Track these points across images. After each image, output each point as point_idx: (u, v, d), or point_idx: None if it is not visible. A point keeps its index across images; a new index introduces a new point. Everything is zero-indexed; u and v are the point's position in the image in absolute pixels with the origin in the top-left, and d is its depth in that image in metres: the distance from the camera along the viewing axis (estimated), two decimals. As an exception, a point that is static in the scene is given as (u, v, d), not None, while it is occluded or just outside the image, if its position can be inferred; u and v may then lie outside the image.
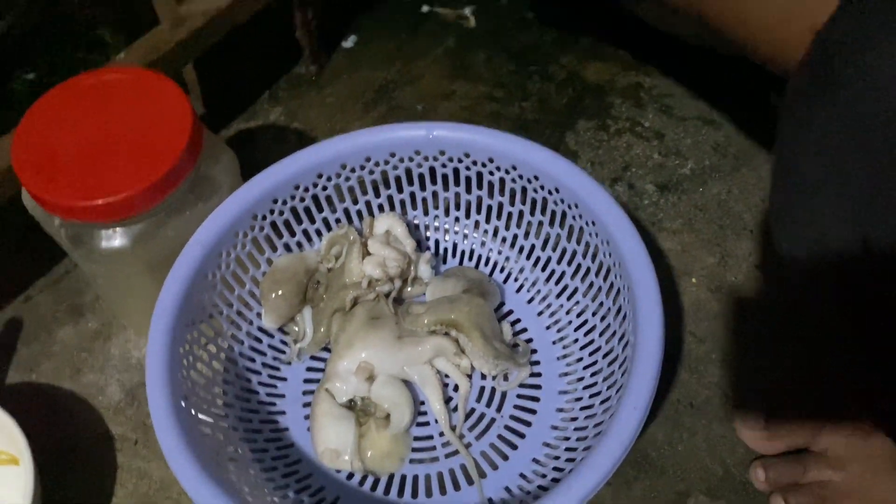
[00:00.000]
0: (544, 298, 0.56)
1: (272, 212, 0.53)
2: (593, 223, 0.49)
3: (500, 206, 0.57)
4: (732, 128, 0.72)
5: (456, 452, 0.51)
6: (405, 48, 0.79)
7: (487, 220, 0.58)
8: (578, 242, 0.53)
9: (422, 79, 0.77)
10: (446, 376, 0.53)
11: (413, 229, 0.59)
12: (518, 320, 0.56)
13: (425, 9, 0.82)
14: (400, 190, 0.58)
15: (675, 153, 0.71)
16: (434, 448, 0.51)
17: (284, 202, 0.54)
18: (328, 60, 0.78)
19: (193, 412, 0.45)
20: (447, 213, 0.59)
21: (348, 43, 0.79)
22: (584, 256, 0.52)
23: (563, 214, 0.52)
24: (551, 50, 0.78)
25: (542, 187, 0.52)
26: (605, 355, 0.49)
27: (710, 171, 0.69)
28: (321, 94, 0.76)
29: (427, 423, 0.52)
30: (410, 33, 0.80)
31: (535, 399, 0.53)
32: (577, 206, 0.50)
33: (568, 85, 0.76)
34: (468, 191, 0.57)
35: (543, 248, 0.56)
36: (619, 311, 0.48)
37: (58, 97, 0.50)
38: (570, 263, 0.54)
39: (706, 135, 0.71)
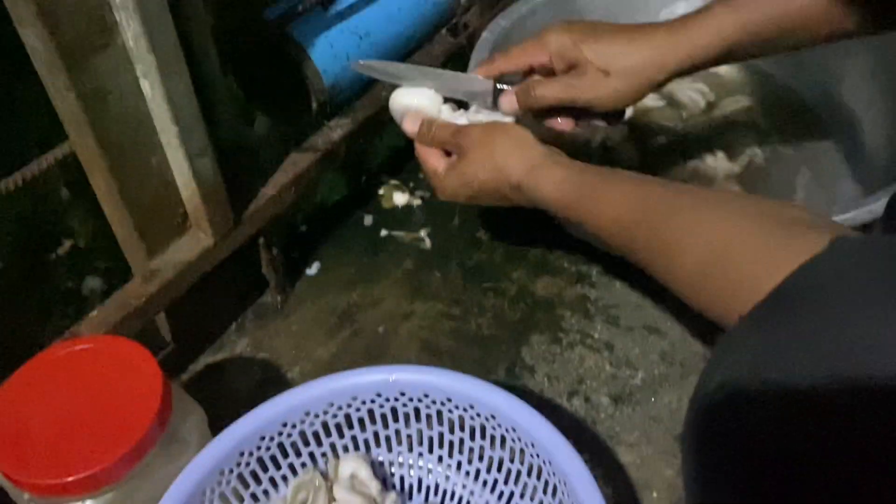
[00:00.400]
0: (510, 530, 0.57)
1: (239, 464, 0.55)
2: (550, 462, 0.52)
3: (462, 441, 0.59)
4: (677, 336, 0.76)
5: None
6: (366, 272, 0.84)
7: (450, 455, 0.60)
8: (538, 478, 0.55)
9: (382, 301, 0.81)
10: None
11: (378, 466, 0.60)
12: (486, 555, 0.57)
13: (384, 233, 0.88)
14: (363, 429, 0.60)
15: (626, 363, 0.74)
16: None
17: (251, 453, 0.55)
18: (293, 289, 0.82)
19: None
20: (410, 449, 0.61)
21: (312, 270, 0.84)
22: (545, 493, 0.54)
23: (522, 451, 0.55)
24: (502, 266, 0.84)
25: (499, 425, 0.55)
26: None
27: (660, 381, 0.72)
28: (287, 321, 0.80)
29: None
30: (370, 257, 0.85)
31: None
32: (533, 446, 0.53)
33: (520, 300, 0.81)
34: (429, 427, 0.59)
35: (506, 482, 0.58)
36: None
37: (30, 372, 0.53)
38: (532, 499, 0.56)
39: (653, 344, 0.76)
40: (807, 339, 0.31)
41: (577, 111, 0.68)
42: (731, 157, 0.91)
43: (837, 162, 0.90)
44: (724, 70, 1.02)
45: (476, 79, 0.70)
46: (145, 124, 0.58)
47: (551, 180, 0.62)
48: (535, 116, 0.71)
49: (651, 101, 0.98)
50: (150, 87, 0.56)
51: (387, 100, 0.81)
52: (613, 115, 0.69)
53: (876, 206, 0.67)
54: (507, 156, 0.64)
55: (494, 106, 0.70)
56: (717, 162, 0.91)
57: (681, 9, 0.97)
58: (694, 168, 0.90)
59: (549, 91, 0.66)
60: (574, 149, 0.92)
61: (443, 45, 0.90)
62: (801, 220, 0.46)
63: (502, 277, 0.83)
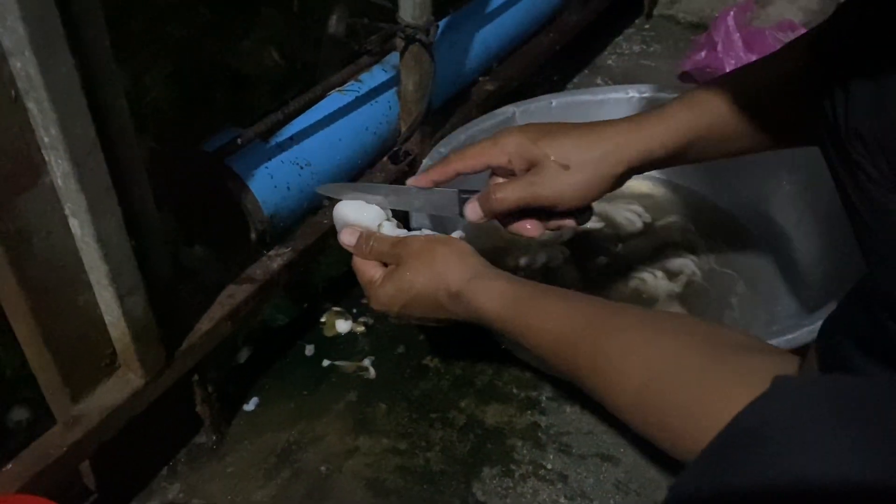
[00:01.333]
0: None
1: None
2: None
3: None
4: (631, 462, 0.74)
5: None
6: (307, 406, 0.80)
7: None
8: None
9: (325, 437, 0.77)
10: None
11: None
12: None
13: (326, 363, 0.85)
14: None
15: (580, 495, 0.72)
16: None
17: None
18: (229, 427, 0.78)
19: None
20: None
21: (250, 406, 0.80)
22: None
23: None
24: (450, 394, 0.82)
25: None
26: None
27: (617, 513, 0.70)
28: (222, 463, 0.75)
29: None
30: (312, 390, 0.82)
31: None
32: None
33: (469, 430, 0.78)
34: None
35: None
36: None
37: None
38: None
39: (607, 472, 0.73)
40: (757, 492, 0.31)
41: (543, 213, 0.68)
42: (671, 277, 0.92)
43: (774, 279, 0.92)
44: (658, 191, 1.05)
45: (440, 191, 0.70)
46: (72, 264, 0.56)
47: (491, 291, 0.61)
48: (502, 223, 0.70)
49: (589, 223, 1.00)
50: (79, 226, 0.54)
51: (328, 227, 0.81)
52: (579, 214, 0.69)
53: (815, 327, 0.68)
54: (447, 264, 0.63)
55: (461, 216, 0.70)
56: (657, 282, 0.92)
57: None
58: (635, 288, 0.91)
59: (510, 192, 0.66)
60: (515, 270, 0.92)
61: (384, 172, 0.91)
62: (740, 347, 0.46)
63: (450, 407, 0.80)
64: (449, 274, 0.62)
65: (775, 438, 0.32)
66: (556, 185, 0.65)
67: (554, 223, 0.69)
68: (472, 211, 0.69)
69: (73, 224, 0.54)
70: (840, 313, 0.38)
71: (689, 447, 0.43)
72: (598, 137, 0.65)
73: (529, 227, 0.69)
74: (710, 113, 0.66)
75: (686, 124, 0.66)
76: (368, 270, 0.68)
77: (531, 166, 0.66)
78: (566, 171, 0.64)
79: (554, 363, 0.56)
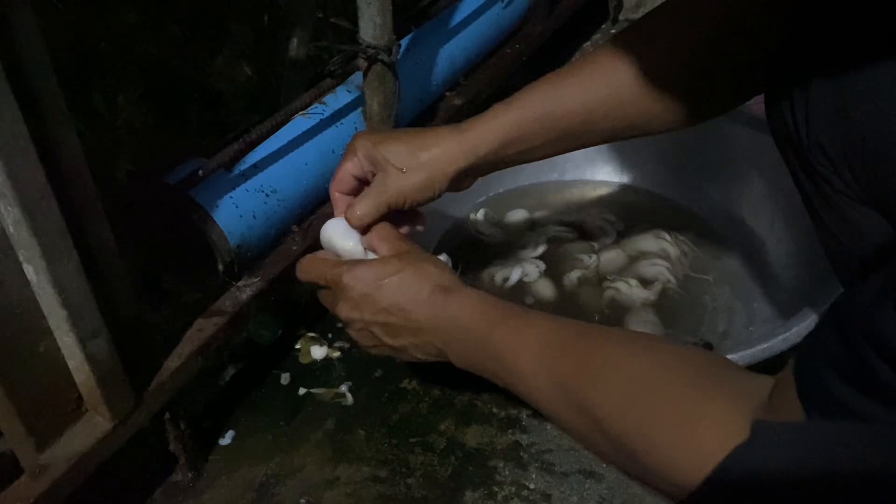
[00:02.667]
0: None
1: None
2: None
3: None
4: (613, 478, 0.73)
5: None
6: (284, 437, 0.79)
7: None
8: None
9: (303, 468, 0.76)
10: None
11: None
12: None
13: (302, 391, 0.83)
14: None
15: (565, 514, 0.71)
16: None
17: None
18: (205, 463, 0.76)
19: None
20: None
21: (226, 440, 0.79)
22: None
23: None
24: (429, 417, 0.80)
25: None
26: None
27: (602, 531, 0.69)
28: (199, 500, 0.73)
29: None
30: (289, 420, 0.81)
31: None
32: None
33: (450, 453, 0.77)
34: None
35: None
36: None
37: None
38: None
39: (590, 489, 0.73)
40: None
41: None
42: (646, 285, 0.92)
43: (749, 282, 0.92)
44: (631, 199, 1.05)
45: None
46: (30, 311, 0.54)
47: (477, 296, 0.59)
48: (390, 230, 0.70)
49: (563, 233, 0.99)
50: (35, 272, 0.52)
51: (298, 254, 0.79)
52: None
53: (789, 335, 0.68)
54: (437, 268, 0.62)
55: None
56: (632, 290, 0.91)
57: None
58: (611, 298, 0.91)
59: (364, 205, 0.67)
60: (490, 286, 0.92)
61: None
62: (711, 373, 0.45)
63: (430, 430, 0.79)
64: (440, 274, 0.62)
65: (761, 491, 0.32)
66: (397, 186, 0.66)
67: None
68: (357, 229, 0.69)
69: (28, 270, 0.52)
70: (816, 338, 0.37)
71: (668, 471, 0.42)
72: (425, 143, 0.67)
73: (411, 227, 0.71)
74: (530, 110, 0.67)
75: (507, 123, 0.67)
76: (336, 264, 0.65)
77: (377, 170, 0.68)
78: (404, 174, 0.66)
79: (540, 372, 0.53)
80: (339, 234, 0.68)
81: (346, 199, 0.70)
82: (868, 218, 0.46)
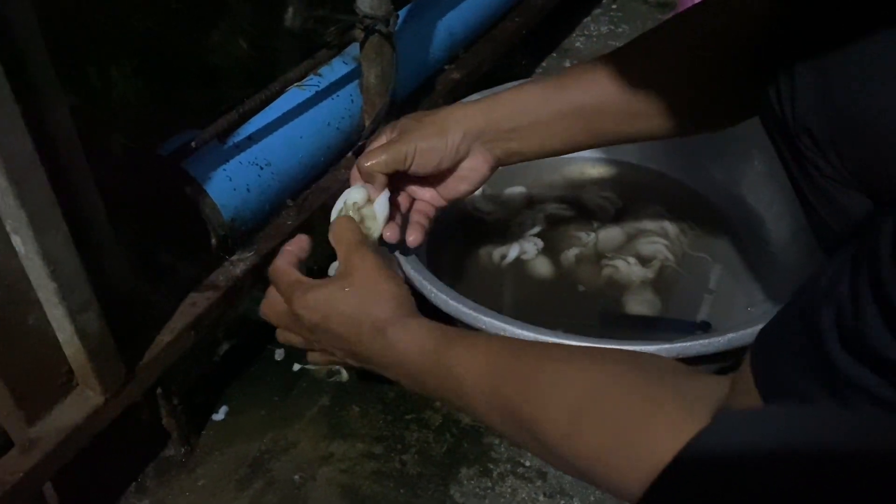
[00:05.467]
0: None
1: None
2: None
3: None
4: (609, 456, 0.73)
5: None
6: (278, 412, 0.78)
7: None
8: None
9: (298, 444, 0.75)
10: None
11: None
12: None
13: (296, 367, 0.83)
14: None
15: (560, 492, 0.71)
16: None
17: None
18: (198, 438, 0.76)
19: None
20: None
21: (219, 415, 0.78)
22: None
23: None
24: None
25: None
26: None
27: (597, 509, 0.69)
28: (192, 476, 0.73)
29: None
30: (283, 396, 0.80)
31: None
32: None
33: (445, 430, 0.76)
34: None
35: None
36: None
37: None
38: None
39: (586, 468, 0.72)
40: None
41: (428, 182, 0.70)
42: (644, 263, 0.91)
43: (749, 261, 0.91)
44: (630, 176, 1.04)
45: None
46: (19, 283, 0.53)
47: (417, 329, 0.56)
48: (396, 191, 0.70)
49: (561, 210, 0.98)
50: (23, 243, 0.51)
51: (292, 229, 0.79)
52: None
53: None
54: (381, 297, 0.58)
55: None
56: (630, 268, 0.91)
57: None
58: (608, 276, 0.90)
59: (375, 153, 0.66)
60: (488, 265, 0.91)
61: (349, 167, 0.88)
62: (670, 373, 0.45)
63: (425, 407, 0.79)
64: (379, 304, 0.58)
65: (721, 474, 0.31)
66: (410, 134, 0.66)
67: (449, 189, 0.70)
68: (354, 177, 0.69)
69: (16, 241, 0.51)
70: (775, 327, 0.36)
71: (624, 480, 0.41)
72: (447, 109, 0.69)
73: (422, 191, 0.71)
74: (543, 84, 0.67)
75: (522, 90, 0.67)
76: (295, 273, 0.62)
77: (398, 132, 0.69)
78: (419, 123, 0.67)
79: (484, 396, 0.51)
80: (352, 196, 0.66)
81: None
82: (856, 202, 0.45)
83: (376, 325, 0.56)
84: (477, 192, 1.00)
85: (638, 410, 0.41)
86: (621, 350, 0.49)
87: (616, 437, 0.41)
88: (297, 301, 0.59)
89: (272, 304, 0.63)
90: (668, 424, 0.39)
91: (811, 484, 0.29)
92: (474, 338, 0.54)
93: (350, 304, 0.58)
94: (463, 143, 0.67)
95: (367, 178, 0.66)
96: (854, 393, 0.30)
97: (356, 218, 0.65)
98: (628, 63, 0.65)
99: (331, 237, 0.63)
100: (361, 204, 0.66)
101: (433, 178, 0.69)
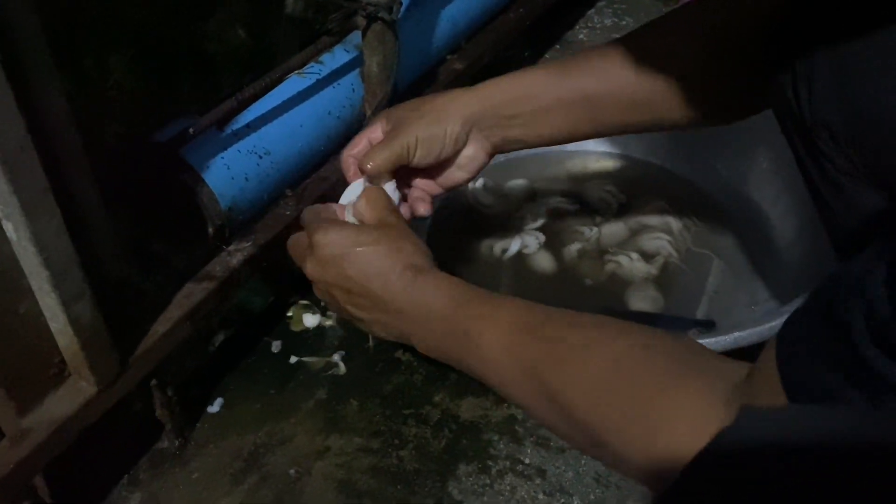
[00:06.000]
0: None
1: None
2: None
3: None
4: (610, 454, 0.72)
5: None
6: (274, 405, 0.78)
7: None
8: None
9: (294, 438, 0.74)
10: None
11: None
12: None
13: (293, 360, 0.82)
14: None
15: (560, 490, 0.70)
16: None
17: None
18: (193, 430, 0.75)
19: None
20: None
21: (214, 407, 0.77)
22: None
23: None
24: (423, 389, 0.79)
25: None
26: None
27: (598, 508, 0.68)
28: (186, 469, 0.72)
29: None
30: (279, 389, 0.79)
31: None
32: None
33: (444, 425, 0.76)
34: None
35: None
36: None
37: None
38: None
39: (586, 466, 0.71)
40: None
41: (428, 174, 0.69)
42: (647, 259, 0.90)
43: (753, 259, 0.90)
44: (633, 171, 1.03)
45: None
46: (10, 270, 0.52)
47: (445, 281, 0.56)
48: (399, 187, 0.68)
49: (564, 204, 0.97)
50: (14, 230, 0.50)
51: (291, 219, 0.77)
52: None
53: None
54: (411, 247, 0.58)
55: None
56: (633, 264, 0.90)
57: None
58: (611, 272, 0.89)
59: (378, 150, 0.64)
60: (489, 258, 0.90)
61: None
62: (696, 354, 0.44)
63: (424, 402, 0.78)
64: (414, 253, 0.57)
65: (748, 473, 0.30)
66: (409, 126, 0.64)
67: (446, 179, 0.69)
68: (346, 168, 0.68)
69: (8, 227, 0.50)
70: (799, 322, 0.35)
71: (637, 452, 0.41)
72: (444, 97, 0.67)
73: (422, 183, 0.69)
74: (545, 70, 0.66)
75: (522, 76, 0.66)
76: (331, 210, 0.63)
77: (393, 123, 0.67)
78: (417, 113, 0.65)
79: (503, 360, 0.51)
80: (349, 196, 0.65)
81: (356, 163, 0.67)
82: (869, 198, 0.44)
83: (413, 265, 0.56)
84: (478, 184, 1.00)
85: (662, 383, 0.41)
86: (647, 326, 0.48)
87: (639, 407, 0.41)
88: (318, 232, 0.58)
89: (297, 237, 0.62)
90: (690, 399, 0.39)
91: (841, 484, 0.28)
92: (501, 299, 0.53)
93: (383, 246, 0.57)
94: (462, 131, 0.65)
95: (374, 179, 0.64)
96: (887, 390, 0.29)
97: None
98: (637, 49, 0.63)
99: (356, 208, 0.62)
100: None
101: (431, 168, 0.68)
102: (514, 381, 0.50)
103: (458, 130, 0.65)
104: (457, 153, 0.67)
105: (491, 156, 0.69)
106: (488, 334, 0.51)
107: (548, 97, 0.65)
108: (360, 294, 0.57)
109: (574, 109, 0.65)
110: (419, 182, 0.69)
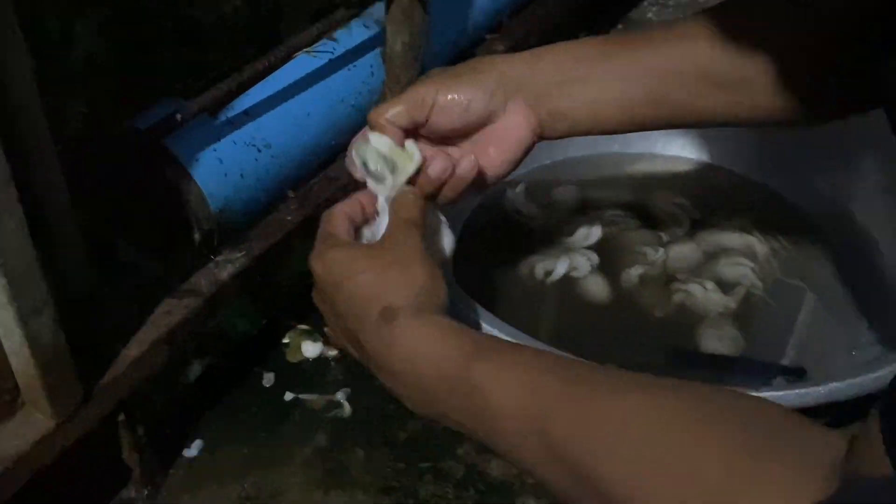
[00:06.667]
0: None
1: None
2: None
3: None
4: (672, 528, 0.72)
5: None
6: (264, 452, 0.79)
7: None
8: None
9: (286, 492, 0.76)
10: None
11: None
12: None
13: (288, 396, 0.84)
14: None
15: (609, 569, 0.70)
16: None
17: None
18: (165, 478, 0.77)
19: None
20: None
21: (192, 451, 0.79)
22: None
23: None
24: (445, 438, 0.80)
25: None
26: None
27: (655, 593, 0.68)
28: (156, 524, 0.73)
29: None
30: (271, 431, 0.81)
31: None
32: None
33: (468, 484, 0.77)
34: None
35: None
36: None
37: None
38: None
39: (642, 540, 0.72)
40: None
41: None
42: (725, 290, 0.90)
43: (855, 294, 0.90)
44: (711, 181, 1.03)
45: None
46: (-40, 276, 0.54)
47: (433, 328, 0.54)
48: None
49: (624, 219, 0.98)
50: (-32, 229, 0.52)
51: (293, 226, 0.79)
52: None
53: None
54: (405, 271, 0.56)
55: None
56: (707, 295, 0.90)
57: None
58: (680, 303, 0.90)
59: (393, 100, 0.63)
60: (530, 280, 0.91)
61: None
62: (775, 428, 0.43)
63: (445, 454, 0.79)
64: (408, 288, 0.55)
65: None
66: (437, 76, 0.64)
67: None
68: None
69: (-40, 226, 0.52)
70: None
71: None
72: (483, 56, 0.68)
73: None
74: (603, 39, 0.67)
75: (576, 44, 0.66)
76: (341, 224, 0.61)
77: None
78: (449, 68, 0.65)
79: (508, 435, 0.50)
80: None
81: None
82: None
83: (385, 312, 0.54)
84: (518, 189, 1.01)
85: (738, 470, 0.40)
86: (706, 385, 0.47)
87: (720, 493, 0.40)
88: (316, 255, 0.58)
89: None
90: (777, 492, 0.38)
91: None
92: (511, 350, 0.53)
93: (366, 279, 0.55)
94: (498, 88, 0.64)
95: (382, 124, 0.62)
96: None
97: (387, 169, 0.61)
98: (729, 22, 0.62)
99: (389, 207, 0.61)
100: (387, 152, 0.62)
101: (456, 146, 0.66)
102: (530, 459, 0.49)
103: (492, 85, 0.63)
104: (490, 118, 0.65)
105: (535, 133, 0.66)
106: (495, 395, 0.50)
107: (603, 66, 0.65)
108: (350, 334, 0.57)
109: (643, 82, 0.64)
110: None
